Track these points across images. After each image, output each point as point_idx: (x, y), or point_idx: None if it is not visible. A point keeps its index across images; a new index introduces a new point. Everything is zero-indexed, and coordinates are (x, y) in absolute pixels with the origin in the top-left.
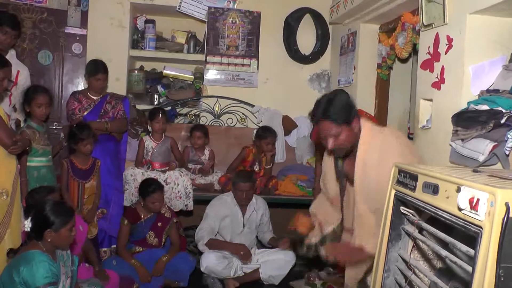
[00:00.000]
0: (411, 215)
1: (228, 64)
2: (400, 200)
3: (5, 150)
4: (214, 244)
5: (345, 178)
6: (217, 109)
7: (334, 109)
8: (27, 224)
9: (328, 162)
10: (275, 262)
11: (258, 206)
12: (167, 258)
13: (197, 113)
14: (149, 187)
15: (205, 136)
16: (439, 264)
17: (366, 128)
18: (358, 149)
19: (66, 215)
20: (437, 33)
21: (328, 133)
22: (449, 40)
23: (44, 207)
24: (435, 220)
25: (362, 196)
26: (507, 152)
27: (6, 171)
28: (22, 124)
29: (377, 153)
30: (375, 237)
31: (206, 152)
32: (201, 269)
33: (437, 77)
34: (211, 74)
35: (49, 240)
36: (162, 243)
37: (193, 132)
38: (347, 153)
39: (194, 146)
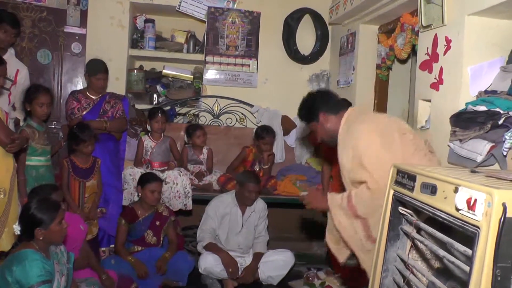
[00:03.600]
0: (409, 215)
1: (228, 64)
2: (398, 200)
3: (3, 148)
4: (212, 249)
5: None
6: (216, 109)
7: (300, 111)
8: (16, 228)
9: None
10: (274, 263)
11: (257, 207)
12: (169, 255)
13: (196, 113)
14: (149, 176)
15: (205, 134)
16: (437, 264)
17: (344, 120)
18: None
19: (52, 210)
20: (436, 34)
21: (310, 130)
22: (448, 41)
23: (30, 207)
24: (433, 220)
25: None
26: (505, 153)
27: (3, 170)
28: (21, 123)
29: (346, 137)
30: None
31: (205, 151)
32: (200, 270)
33: (435, 78)
34: (211, 74)
35: (41, 238)
36: (161, 242)
37: (193, 131)
38: (332, 144)
39: (199, 144)
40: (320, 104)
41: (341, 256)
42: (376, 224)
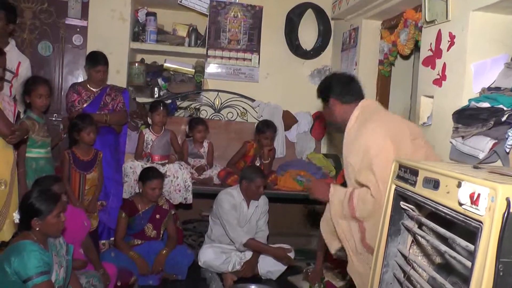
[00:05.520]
0: (411, 210)
1: (229, 58)
2: (400, 195)
3: (3, 140)
4: (254, 246)
5: None
6: (217, 103)
7: (319, 87)
8: (16, 216)
9: None
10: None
11: (260, 202)
12: (166, 252)
13: (197, 107)
14: (150, 172)
15: (206, 129)
16: (438, 260)
17: (354, 116)
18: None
19: (51, 202)
20: (440, 30)
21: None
22: (451, 37)
23: (30, 196)
24: (435, 216)
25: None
26: (507, 150)
27: (4, 161)
28: (22, 115)
29: (357, 135)
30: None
31: (205, 145)
32: (199, 263)
33: (438, 74)
34: (212, 68)
35: (37, 229)
36: (161, 235)
37: (194, 125)
38: (339, 129)
39: (198, 140)
40: (334, 88)
41: (333, 247)
42: (371, 229)
